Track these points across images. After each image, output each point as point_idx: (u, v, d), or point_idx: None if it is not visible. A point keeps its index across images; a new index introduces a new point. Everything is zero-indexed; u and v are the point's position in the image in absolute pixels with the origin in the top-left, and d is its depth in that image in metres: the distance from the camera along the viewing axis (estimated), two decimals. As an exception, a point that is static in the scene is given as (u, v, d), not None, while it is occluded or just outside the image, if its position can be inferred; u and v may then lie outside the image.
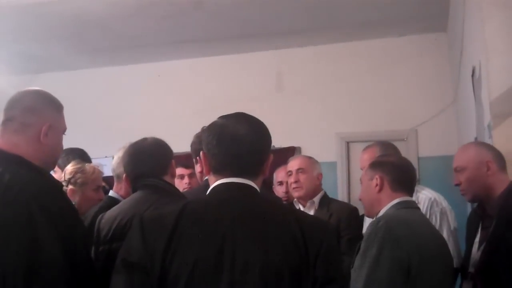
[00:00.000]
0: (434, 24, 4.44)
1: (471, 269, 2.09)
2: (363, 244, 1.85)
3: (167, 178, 2.12)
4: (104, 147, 4.41)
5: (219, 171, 1.38)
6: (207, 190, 1.41)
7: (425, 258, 1.79)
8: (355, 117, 4.78)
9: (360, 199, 2.18)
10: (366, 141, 3.52)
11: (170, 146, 2.20)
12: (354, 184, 4.65)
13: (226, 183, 1.37)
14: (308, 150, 4.55)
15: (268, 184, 3.37)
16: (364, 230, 2.57)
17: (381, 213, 1.99)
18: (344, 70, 4.90)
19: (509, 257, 1.84)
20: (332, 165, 4.75)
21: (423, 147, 4.59)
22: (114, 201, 2.35)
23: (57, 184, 1.79)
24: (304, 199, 2.98)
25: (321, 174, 3.05)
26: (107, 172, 2.87)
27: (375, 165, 2.10)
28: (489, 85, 2.39)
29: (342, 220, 2.79)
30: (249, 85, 5.12)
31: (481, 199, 2.13)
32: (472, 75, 2.94)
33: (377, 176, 2.03)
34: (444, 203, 2.63)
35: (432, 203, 2.60)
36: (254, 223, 1.30)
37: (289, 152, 4.64)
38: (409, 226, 1.85)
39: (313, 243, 1.28)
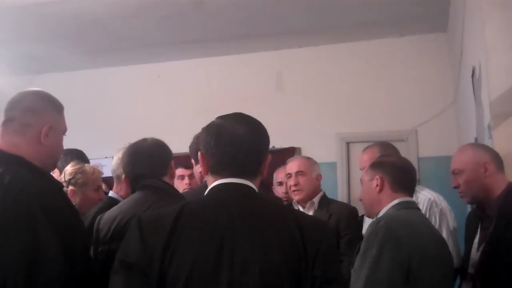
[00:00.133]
0: (434, 24, 4.44)
1: (470, 270, 2.09)
2: (363, 245, 1.85)
3: (166, 179, 2.12)
4: (104, 147, 4.42)
5: (217, 172, 1.38)
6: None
7: (425, 258, 1.79)
8: (355, 117, 4.78)
9: (360, 200, 2.18)
10: (366, 142, 3.51)
11: (169, 147, 2.20)
12: (354, 185, 4.65)
13: (225, 183, 1.36)
14: (308, 150, 4.55)
15: (266, 184, 3.37)
16: (364, 230, 2.58)
17: (381, 214, 1.98)
18: (344, 70, 4.90)
19: (508, 258, 1.84)
20: (332, 165, 4.75)
21: (423, 147, 4.59)
22: (114, 202, 2.35)
23: (58, 185, 1.79)
24: (304, 201, 2.97)
25: (320, 175, 3.05)
26: (107, 172, 2.87)
27: (375, 166, 2.10)
28: (489, 85, 2.39)
29: (342, 221, 2.79)
30: (249, 85, 5.12)
31: (480, 200, 2.13)
32: (472, 76, 2.94)
33: (377, 177, 2.03)
34: (444, 204, 2.63)
35: (432, 204, 2.60)
36: (253, 223, 1.30)
37: (289, 152, 4.64)
38: (410, 227, 1.85)
39: (312, 243, 1.28)
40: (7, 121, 1.69)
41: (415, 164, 3.22)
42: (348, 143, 4.85)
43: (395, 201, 1.98)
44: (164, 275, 1.23)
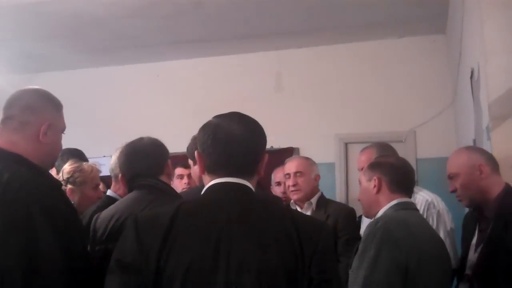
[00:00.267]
0: (433, 25, 4.44)
1: (467, 271, 2.09)
2: (361, 245, 1.85)
3: (163, 178, 2.11)
4: (103, 146, 4.42)
5: (214, 171, 1.38)
6: (204, 190, 1.41)
7: (423, 259, 1.79)
8: (354, 118, 4.78)
9: (358, 200, 2.18)
10: (364, 142, 3.51)
11: (166, 146, 2.20)
12: (352, 185, 4.65)
13: (221, 183, 1.36)
14: (306, 151, 4.55)
15: (263, 184, 3.37)
16: (362, 231, 2.58)
17: (379, 214, 1.98)
18: (343, 71, 4.90)
19: (506, 259, 1.84)
20: (331, 166, 4.75)
21: (422, 148, 4.59)
22: (112, 201, 2.35)
23: (57, 183, 1.79)
24: (302, 201, 2.97)
25: (318, 176, 3.05)
26: (106, 171, 2.87)
27: (373, 166, 2.10)
28: (488, 86, 2.39)
29: (339, 221, 2.79)
30: (248, 85, 5.12)
31: (477, 203, 2.13)
32: (471, 77, 2.94)
33: (375, 177, 2.03)
34: (441, 205, 2.63)
35: (429, 205, 2.60)
36: (250, 223, 1.29)
37: (288, 152, 4.64)
38: (408, 228, 1.85)
39: (309, 243, 1.28)
40: (6, 119, 1.68)
41: (413, 165, 3.22)
42: (346, 144, 4.84)
43: (393, 202, 1.98)
44: (160, 275, 1.23)
